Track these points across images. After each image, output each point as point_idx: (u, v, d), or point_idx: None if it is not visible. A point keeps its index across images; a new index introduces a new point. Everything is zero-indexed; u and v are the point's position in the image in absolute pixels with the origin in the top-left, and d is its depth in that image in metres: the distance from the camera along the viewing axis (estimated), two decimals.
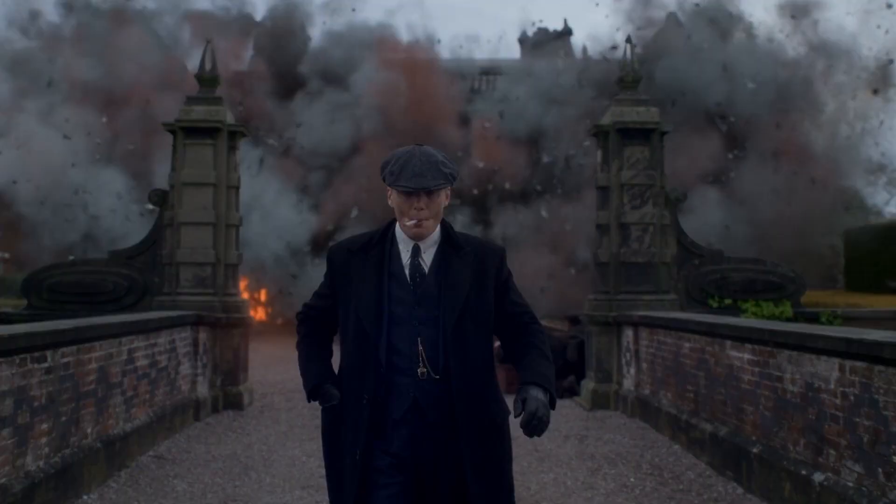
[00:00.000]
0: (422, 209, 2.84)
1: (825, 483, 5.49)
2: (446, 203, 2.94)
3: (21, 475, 5.47)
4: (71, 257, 15.77)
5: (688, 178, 17.93)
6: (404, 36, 24.89)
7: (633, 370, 10.44)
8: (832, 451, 5.48)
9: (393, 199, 2.90)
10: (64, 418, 6.20)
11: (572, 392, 11.97)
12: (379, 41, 23.19)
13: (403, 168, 2.82)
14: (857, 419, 5.16)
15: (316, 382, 2.99)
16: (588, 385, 11.26)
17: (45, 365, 5.86)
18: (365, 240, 2.99)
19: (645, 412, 9.87)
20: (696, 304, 11.20)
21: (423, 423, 2.86)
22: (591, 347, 11.33)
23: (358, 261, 2.94)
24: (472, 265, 2.93)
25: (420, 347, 2.85)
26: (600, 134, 11.39)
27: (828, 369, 5.52)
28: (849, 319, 11.16)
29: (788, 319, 10.63)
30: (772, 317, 10.69)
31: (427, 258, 2.93)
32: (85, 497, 6.41)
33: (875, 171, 24.27)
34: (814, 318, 11.04)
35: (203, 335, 10.22)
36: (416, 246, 2.93)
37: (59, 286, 10.99)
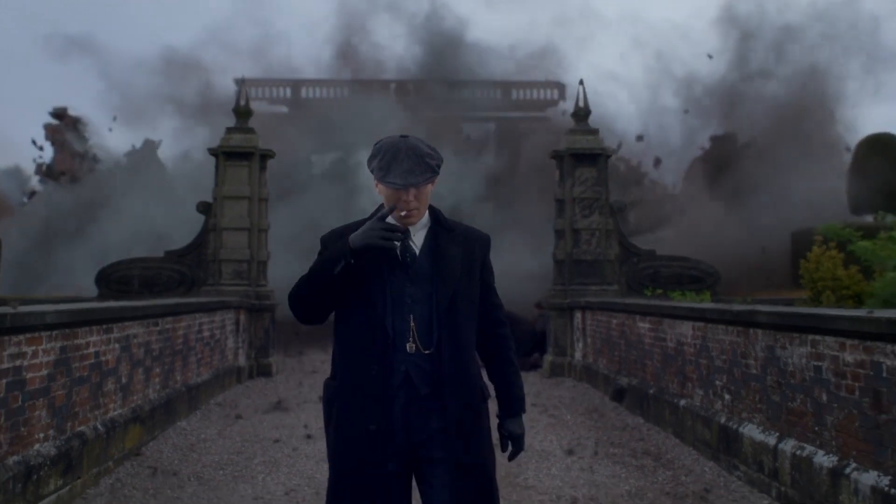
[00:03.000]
0: (410, 201, 2.94)
1: (685, 405, 8.25)
2: (432, 188, 3.03)
3: (147, 401, 8.17)
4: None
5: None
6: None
7: (581, 344, 13.19)
8: (689, 384, 8.25)
9: (381, 189, 2.97)
10: (166, 367, 8.91)
11: (536, 366, 14.68)
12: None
13: (391, 164, 2.88)
14: (700, 360, 7.91)
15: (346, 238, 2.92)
16: (548, 358, 13.99)
17: (158, 328, 8.57)
18: (359, 225, 3.04)
19: (589, 376, 12.63)
20: (634, 293, 13.94)
21: (415, 397, 2.94)
22: (550, 328, 14.06)
23: None
24: (462, 246, 3.06)
25: (412, 324, 2.95)
26: (557, 157, 14.12)
27: (686, 329, 8.29)
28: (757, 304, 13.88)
29: None
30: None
31: (417, 240, 3.03)
32: (178, 423, 9.13)
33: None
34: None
35: (242, 317, 12.95)
36: (406, 229, 3.01)
37: (125, 279, 13.70)
